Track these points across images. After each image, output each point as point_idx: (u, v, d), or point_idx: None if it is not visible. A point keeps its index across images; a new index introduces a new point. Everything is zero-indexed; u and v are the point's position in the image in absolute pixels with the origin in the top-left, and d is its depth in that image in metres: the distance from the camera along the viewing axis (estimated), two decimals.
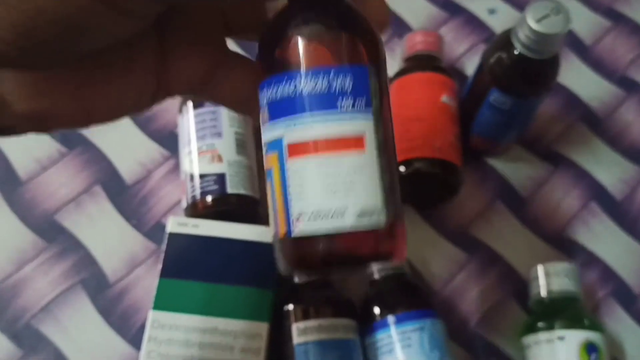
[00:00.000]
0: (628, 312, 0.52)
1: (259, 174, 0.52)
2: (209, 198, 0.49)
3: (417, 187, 0.52)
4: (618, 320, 0.51)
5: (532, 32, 0.44)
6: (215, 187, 0.49)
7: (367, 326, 0.46)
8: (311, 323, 0.44)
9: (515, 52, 0.47)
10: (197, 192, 0.49)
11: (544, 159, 0.58)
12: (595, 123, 0.60)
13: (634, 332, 0.51)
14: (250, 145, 0.52)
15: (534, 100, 0.50)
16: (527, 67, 0.47)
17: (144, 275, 0.51)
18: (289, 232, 0.23)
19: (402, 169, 0.51)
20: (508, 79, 0.48)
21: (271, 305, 0.45)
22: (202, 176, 0.49)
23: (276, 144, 0.24)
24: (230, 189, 0.49)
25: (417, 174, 0.50)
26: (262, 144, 0.25)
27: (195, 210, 0.49)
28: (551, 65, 0.48)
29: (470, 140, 0.55)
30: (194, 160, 0.50)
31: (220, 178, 0.49)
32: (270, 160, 0.24)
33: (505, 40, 0.48)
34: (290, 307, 0.45)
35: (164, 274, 0.45)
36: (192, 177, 0.50)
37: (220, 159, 0.50)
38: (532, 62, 0.46)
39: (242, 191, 0.50)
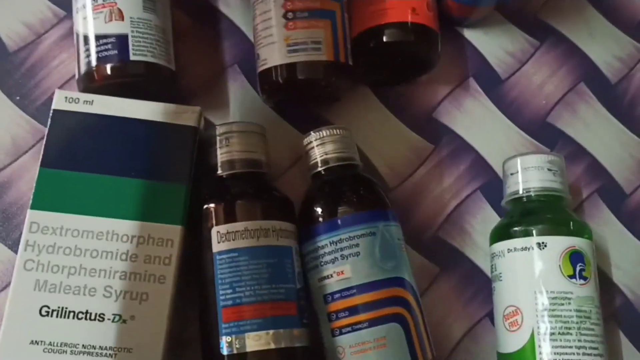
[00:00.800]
0: (615, 213, 0.44)
1: (174, 39, 0.41)
2: (107, 66, 0.38)
3: (383, 59, 0.43)
4: (604, 222, 0.44)
5: None
6: (114, 52, 0.38)
7: (307, 230, 0.37)
8: (234, 226, 0.35)
9: None
10: (93, 59, 0.38)
11: (527, 31, 0.49)
12: None
13: (621, 236, 0.44)
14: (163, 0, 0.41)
15: None
16: None
17: (30, 166, 0.41)
18: None
19: (369, 38, 0.42)
20: None
21: (186, 204, 0.36)
22: (98, 38, 0.38)
23: None
24: (134, 55, 0.38)
25: (387, 45, 0.41)
26: None
27: (90, 81, 0.38)
28: None
29: (441, 5, 0.45)
30: (88, 17, 0.38)
31: (122, 41, 0.38)
32: None
33: None
34: (211, 205, 0.36)
35: (46, 162, 0.35)
36: (85, 39, 0.38)
37: (121, 15, 0.38)
38: None
39: (150, 58, 0.39)
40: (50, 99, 0.42)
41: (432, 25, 0.43)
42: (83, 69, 0.39)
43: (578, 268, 0.36)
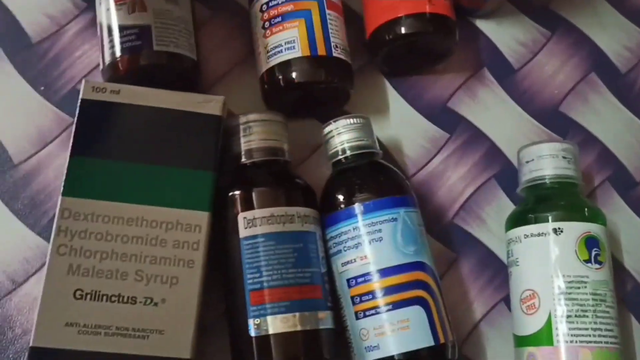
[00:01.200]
0: (626, 200, 0.45)
1: (195, 29, 0.42)
2: (131, 57, 0.39)
3: (401, 51, 0.43)
4: (615, 209, 0.45)
5: None
6: (137, 42, 0.39)
7: (329, 216, 0.38)
8: (261, 212, 0.36)
9: None
10: (117, 50, 0.39)
11: (538, 21, 0.49)
12: None
13: (631, 223, 0.45)
14: None
15: None
16: None
17: (56, 154, 0.42)
18: None
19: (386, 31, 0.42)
20: None
21: (212, 191, 0.36)
22: (121, 29, 0.39)
23: None
24: (157, 46, 0.39)
25: (406, 36, 0.42)
26: None
27: (115, 72, 0.39)
28: None
29: None
30: (112, 9, 0.39)
31: (145, 31, 0.39)
32: None
33: None
34: (236, 192, 0.37)
35: (76, 150, 0.36)
36: (109, 30, 0.39)
37: (143, 6, 0.39)
38: None
39: (173, 49, 0.39)
40: (74, 89, 0.43)
41: (449, 14, 0.43)
42: (107, 59, 0.39)
43: (593, 253, 0.37)
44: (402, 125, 0.46)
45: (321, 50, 0.40)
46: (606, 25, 0.50)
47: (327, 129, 0.40)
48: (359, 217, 0.37)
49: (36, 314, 0.33)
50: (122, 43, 0.39)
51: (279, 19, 0.40)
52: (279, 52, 0.40)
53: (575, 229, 0.37)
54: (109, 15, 0.39)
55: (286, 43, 0.40)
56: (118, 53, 0.39)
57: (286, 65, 0.40)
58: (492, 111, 0.47)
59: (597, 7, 0.50)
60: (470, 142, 0.46)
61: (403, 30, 0.42)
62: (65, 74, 0.43)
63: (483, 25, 0.49)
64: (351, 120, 0.40)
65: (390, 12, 0.42)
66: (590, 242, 0.37)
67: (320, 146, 0.43)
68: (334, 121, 0.40)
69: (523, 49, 0.49)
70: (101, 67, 0.40)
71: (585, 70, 0.48)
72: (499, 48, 0.48)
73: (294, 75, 0.40)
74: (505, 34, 0.49)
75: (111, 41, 0.39)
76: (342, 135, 0.40)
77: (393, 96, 0.46)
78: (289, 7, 0.40)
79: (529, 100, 0.47)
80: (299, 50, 0.40)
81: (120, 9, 0.39)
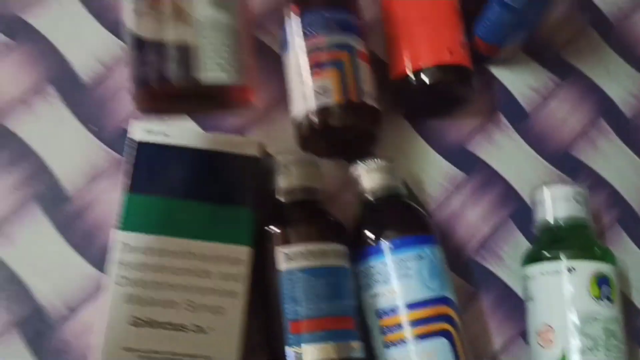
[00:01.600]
0: (634, 240, 0.48)
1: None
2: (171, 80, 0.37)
3: (422, 98, 0.47)
4: (624, 249, 0.48)
5: None
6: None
7: (359, 252, 0.41)
8: (298, 248, 0.39)
9: None
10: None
11: (550, 69, 0.53)
12: (607, 29, 0.54)
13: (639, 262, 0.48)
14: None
15: None
16: None
17: (107, 189, 0.45)
18: None
19: (410, 79, 0.46)
20: None
21: (252, 227, 0.40)
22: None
23: None
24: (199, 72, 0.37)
25: (428, 86, 0.45)
26: None
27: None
28: None
29: (471, 43, 0.49)
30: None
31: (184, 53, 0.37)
32: None
33: None
34: (274, 229, 0.40)
35: (129, 188, 0.39)
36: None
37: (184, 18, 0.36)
38: None
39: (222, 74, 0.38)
40: (123, 129, 0.46)
41: (468, 64, 0.46)
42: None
43: (605, 291, 0.40)
44: (423, 165, 0.49)
45: (353, 97, 0.43)
46: (613, 73, 0.53)
47: (354, 170, 0.44)
48: (388, 254, 0.40)
49: (97, 339, 0.36)
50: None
51: (315, 66, 0.44)
52: (314, 97, 0.44)
53: (587, 268, 0.40)
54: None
55: (321, 89, 0.43)
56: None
57: (322, 110, 0.43)
58: (507, 153, 0.50)
59: (605, 56, 0.54)
60: (487, 182, 0.49)
61: (426, 80, 0.45)
62: (115, 115, 0.47)
63: (498, 71, 0.52)
64: (378, 162, 0.43)
65: (414, 61, 0.46)
66: (601, 280, 0.40)
67: (348, 185, 0.47)
68: (362, 163, 0.43)
69: (535, 95, 0.52)
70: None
71: (594, 116, 0.52)
72: (513, 93, 0.52)
73: (328, 119, 0.43)
74: (519, 81, 0.52)
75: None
76: (370, 176, 0.43)
77: (414, 138, 0.49)
78: (324, 56, 0.44)
79: (541, 144, 0.50)
80: (333, 97, 0.43)
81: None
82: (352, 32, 0.45)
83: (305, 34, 0.44)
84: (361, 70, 0.44)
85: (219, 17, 0.38)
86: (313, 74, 0.44)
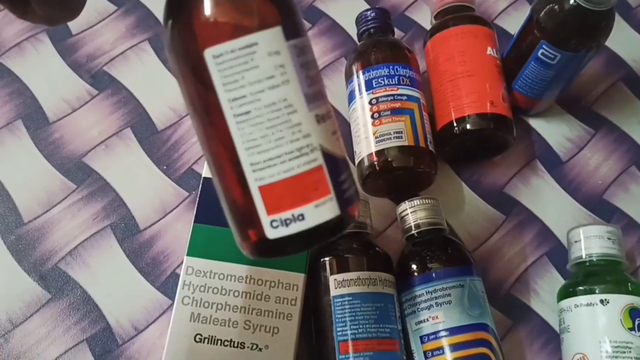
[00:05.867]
0: None
1: None
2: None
3: (466, 144, 0.51)
4: None
5: None
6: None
7: (404, 281, 0.45)
8: (349, 275, 0.43)
9: (571, 2, 0.45)
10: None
11: (583, 120, 0.57)
12: (637, 84, 0.58)
13: None
14: None
15: (585, 55, 0.48)
16: (583, 19, 0.45)
17: (174, 223, 0.50)
18: None
19: (454, 126, 0.50)
20: (562, 32, 0.46)
21: (307, 256, 0.44)
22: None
23: None
24: None
25: (471, 132, 0.49)
26: None
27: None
28: (608, 17, 0.45)
29: (511, 97, 0.53)
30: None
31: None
32: None
33: None
34: (329, 258, 0.44)
35: (198, 219, 0.44)
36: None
37: None
38: (589, 13, 0.44)
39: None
40: (190, 169, 0.52)
41: (507, 114, 0.50)
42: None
43: (637, 322, 0.42)
44: (464, 206, 0.52)
45: (421, 142, 0.48)
46: None
47: (402, 207, 0.47)
48: (432, 283, 0.43)
49: (163, 355, 0.40)
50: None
51: (388, 112, 0.48)
52: (387, 139, 0.48)
53: (620, 301, 0.43)
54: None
55: (395, 133, 0.48)
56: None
57: (394, 151, 0.47)
58: (543, 197, 0.53)
59: (636, 107, 0.57)
60: (524, 223, 0.52)
61: (469, 127, 0.49)
62: (183, 156, 0.52)
63: (535, 123, 0.56)
64: (424, 201, 0.47)
65: (458, 111, 0.50)
66: (633, 312, 0.42)
67: (394, 221, 0.50)
68: (409, 201, 0.47)
69: (570, 144, 0.56)
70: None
71: (626, 164, 0.55)
72: (549, 142, 0.55)
73: (399, 160, 0.47)
74: (555, 131, 0.56)
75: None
76: (416, 213, 0.47)
77: (457, 181, 0.53)
78: (397, 105, 0.49)
79: (576, 189, 0.54)
80: (405, 140, 0.47)
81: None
82: (416, 86, 0.50)
83: (374, 85, 0.49)
84: (425, 120, 0.49)
85: None
86: (387, 117, 0.48)
